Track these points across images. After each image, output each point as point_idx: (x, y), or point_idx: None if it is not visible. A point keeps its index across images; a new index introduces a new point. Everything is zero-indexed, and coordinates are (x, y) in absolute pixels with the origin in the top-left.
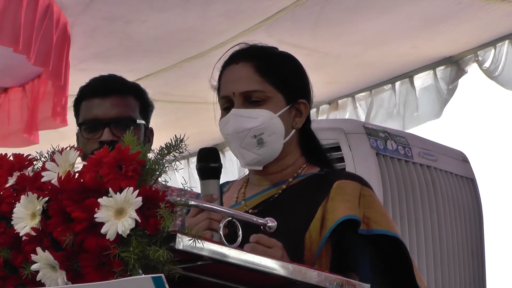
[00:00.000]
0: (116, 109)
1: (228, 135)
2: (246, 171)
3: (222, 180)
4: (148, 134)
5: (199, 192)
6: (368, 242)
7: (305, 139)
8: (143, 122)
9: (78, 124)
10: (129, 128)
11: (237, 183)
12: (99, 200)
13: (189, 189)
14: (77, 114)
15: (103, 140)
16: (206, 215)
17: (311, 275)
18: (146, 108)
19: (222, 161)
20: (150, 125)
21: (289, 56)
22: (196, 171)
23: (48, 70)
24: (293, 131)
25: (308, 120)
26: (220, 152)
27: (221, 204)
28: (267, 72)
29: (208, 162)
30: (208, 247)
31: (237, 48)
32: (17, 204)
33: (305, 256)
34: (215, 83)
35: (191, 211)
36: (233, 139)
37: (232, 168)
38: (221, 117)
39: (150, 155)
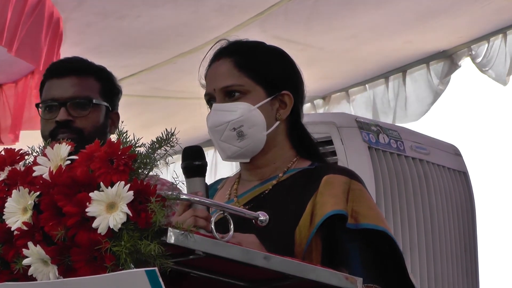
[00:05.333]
0: (72, 89)
1: (208, 131)
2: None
3: (216, 178)
4: (113, 117)
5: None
6: (357, 236)
7: (294, 131)
8: (104, 103)
9: (36, 105)
10: (86, 108)
11: (230, 180)
12: (91, 194)
13: (179, 183)
14: (41, 97)
15: (58, 120)
16: (191, 213)
17: (304, 269)
18: (109, 90)
19: (212, 156)
20: (134, 120)
21: (273, 49)
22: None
23: (39, 67)
24: (277, 123)
25: (296, 112)
26: (212, 148)
27: None
28: (245, 66)
29: (193, 160)
30: (200, 241)
31: (218, 45)
32: (9, 199)
33: (296, 251)
34: (204, 81)
35: (178, 209)
36: (213, 134)
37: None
38: (208, 115)
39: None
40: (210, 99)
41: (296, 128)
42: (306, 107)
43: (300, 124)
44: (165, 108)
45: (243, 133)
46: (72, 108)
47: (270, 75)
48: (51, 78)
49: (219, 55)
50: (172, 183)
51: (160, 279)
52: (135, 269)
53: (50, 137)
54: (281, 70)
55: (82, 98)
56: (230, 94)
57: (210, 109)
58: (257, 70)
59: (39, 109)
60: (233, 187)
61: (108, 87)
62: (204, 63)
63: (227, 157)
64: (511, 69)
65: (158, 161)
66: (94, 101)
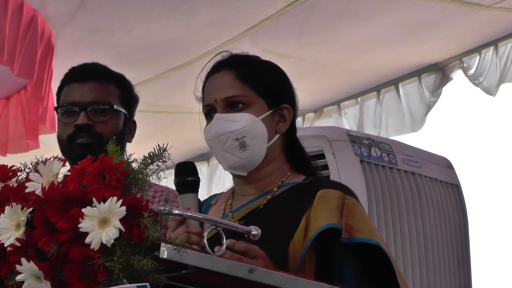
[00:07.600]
0: (93, 94)
1: (210, 140)
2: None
3: (210, 193)
4: (130, 126)
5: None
6: (351, 250)
7: (290, 145)
8: (123, 110)
9: (55, 108)
10: (106, 113)
11: (224, 195)
12: (83, 210)
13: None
14: (58, 101)
15: (78, 124)
16: (184, 229)
17: (297, 283)
18: (128, 98)
19: (206, 170)
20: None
21: (270, 63)
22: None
23: (32, 81)
24: (277, 136)
25: (293, 126)
26: (205, 162)
27: None
28: (247, 78)
29: (185, 176)
30: (193, 256)
31: (219, 57)
32: (2, 215)
33: (290, 266)
34: (200, 94)
35: (171, 225)
36: (215, 143)
37: (217, 177)
38: (205, 126)
39: (133, 165)
40: (209, 110)
41: (291, 142)
42: (298, 120)
43: (296, 138)
44: (157, 123)
45: (245, 144)
46: (92, 113)
47: (272, 88)
48: (71, 82)
49: (218, 67)
50: (168, 188)
51: None
52: (127, 285)
53: (68, 141)
54: (281, 84)
55: (103, 103)
56: (232, 105)
57: (208, 120)
58: (260, 82)
59: (58, 113)
60: (228, 202)
61: (127, 95)
62: (201, 75)
63: (228, 167)
64: (500, 80)
65: (150, 176)
66: (114, 107)
